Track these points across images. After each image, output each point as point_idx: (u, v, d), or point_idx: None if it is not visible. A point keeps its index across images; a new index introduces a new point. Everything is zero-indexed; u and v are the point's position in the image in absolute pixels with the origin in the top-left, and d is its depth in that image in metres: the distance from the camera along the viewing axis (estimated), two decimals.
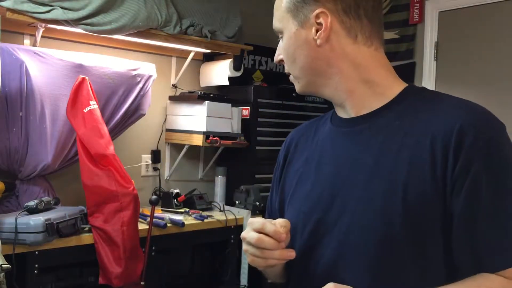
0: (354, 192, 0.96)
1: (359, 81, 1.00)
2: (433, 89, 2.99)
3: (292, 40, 1.02)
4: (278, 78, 3.58)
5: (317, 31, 0.98)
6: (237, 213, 2.97)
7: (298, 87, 1.07)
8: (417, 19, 3.25)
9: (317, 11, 0.97)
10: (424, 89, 1.03)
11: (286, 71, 1.08)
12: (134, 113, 2.81)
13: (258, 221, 0.96)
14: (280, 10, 1.03)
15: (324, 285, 0.87)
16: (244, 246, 0.98)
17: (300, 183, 1.09)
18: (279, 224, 0.95)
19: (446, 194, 0.88)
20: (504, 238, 0.87)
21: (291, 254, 0.95)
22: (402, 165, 0.91)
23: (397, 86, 1.01)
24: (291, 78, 1.08)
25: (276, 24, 1.05)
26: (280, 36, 1.06)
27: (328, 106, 3.46)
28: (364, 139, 0.99)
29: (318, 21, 0.98)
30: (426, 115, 0.94)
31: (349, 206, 0.97)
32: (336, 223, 0.98)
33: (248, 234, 0.96)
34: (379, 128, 0.98)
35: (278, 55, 1.07)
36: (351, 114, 1.03)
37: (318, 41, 0.98)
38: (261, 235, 0.94)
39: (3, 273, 1.83)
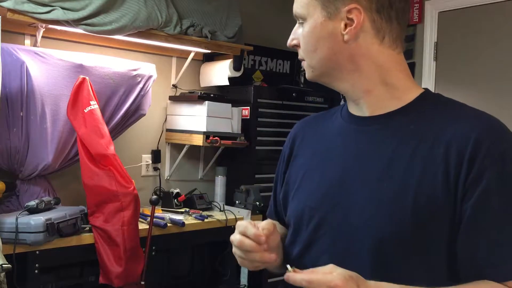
0: (363, 191, 0.96)
1: (378, 82, 0.99)
2: (434, 90, 3.00)
3: (317, 30, 0.98)
4: (278, 78, 3.58)
5: (345, 26, 0.96)
6: (237, 213, 2.97)
7: (310, 75, 1.05)
8: (417, 20, 3.26)
9: (351, 6, 0.95)
10: (440, 95, 1.03)
11: (300, 57, 1.05)
12: (135, 113, 2.81)
13: (242, 224, 0.98)
14: None
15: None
16: (233, 249, 1.00)
17: (306, 177, 1.07)
18: (261, 227, 0.97)
19: (457, 201, 0.89)
20: (509, 249, 0.88)
21: (271, 257, 0.96)
22: (415, 169, 0.92)
23: (414, 91, 1.01)
24: (304, 64, 1.05)
25: (299, 9, 1.01)
26: (299, 21, 1.02)
27: (328, 106, 3.46)
28: (378, 139, 0.99)
29: (350, 16, 0.95)
30: (442, 122, 0.95)
31: (357, 204, 0.96)
32: (342, 220, 0.97)
33: (233, 236, 0.98)
34: (394, 130, 0.98)
35: (293, 40, 1.04)
36: (366, 113, 1.02)
37: (346, 37, 0.96)
38: (243, 237, 0.96)
39: (3, 273, 1.84)
